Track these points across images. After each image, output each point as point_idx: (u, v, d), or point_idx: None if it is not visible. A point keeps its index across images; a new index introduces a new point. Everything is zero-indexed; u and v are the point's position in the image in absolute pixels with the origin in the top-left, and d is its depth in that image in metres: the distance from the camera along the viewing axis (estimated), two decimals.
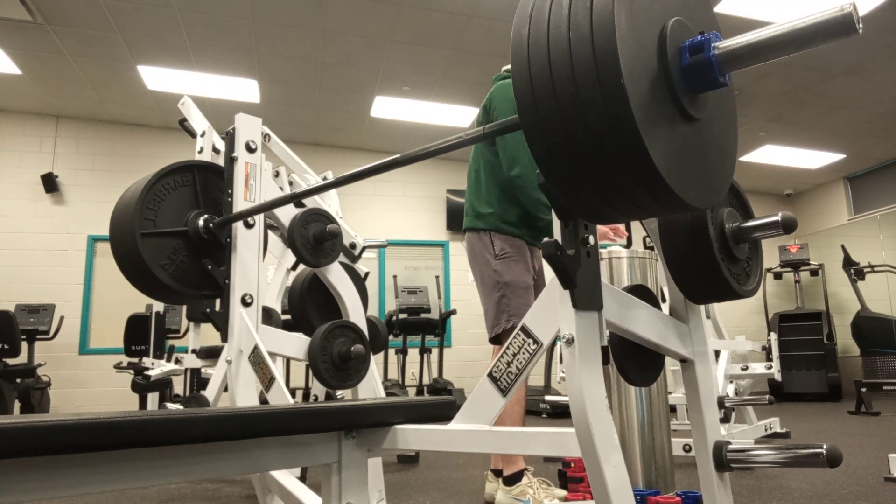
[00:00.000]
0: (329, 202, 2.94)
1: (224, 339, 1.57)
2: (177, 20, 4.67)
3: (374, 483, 1.71)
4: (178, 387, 4.09)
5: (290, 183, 2.87)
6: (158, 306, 4.22)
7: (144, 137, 6.63)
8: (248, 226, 1.60)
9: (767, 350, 3.99)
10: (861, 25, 0.66)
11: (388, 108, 6.27)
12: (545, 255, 0.81)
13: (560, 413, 5.42)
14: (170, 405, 2.57)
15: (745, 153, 7.33)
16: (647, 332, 1.02)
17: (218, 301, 1.61)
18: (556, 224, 0.86)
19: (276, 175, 2.85)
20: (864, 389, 5.33)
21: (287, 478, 1.35)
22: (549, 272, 0.93)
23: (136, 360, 4.28)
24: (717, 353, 3.63)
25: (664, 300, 1.18)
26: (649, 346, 1.06)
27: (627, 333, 1.00)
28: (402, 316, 5.83)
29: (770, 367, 3.76)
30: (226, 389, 1.78)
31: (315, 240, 1.63)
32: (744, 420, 3.77)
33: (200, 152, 2.82)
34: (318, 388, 2.51)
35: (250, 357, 1.50)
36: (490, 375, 1.02)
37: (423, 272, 7.35)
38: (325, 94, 5.99)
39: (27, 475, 0.77)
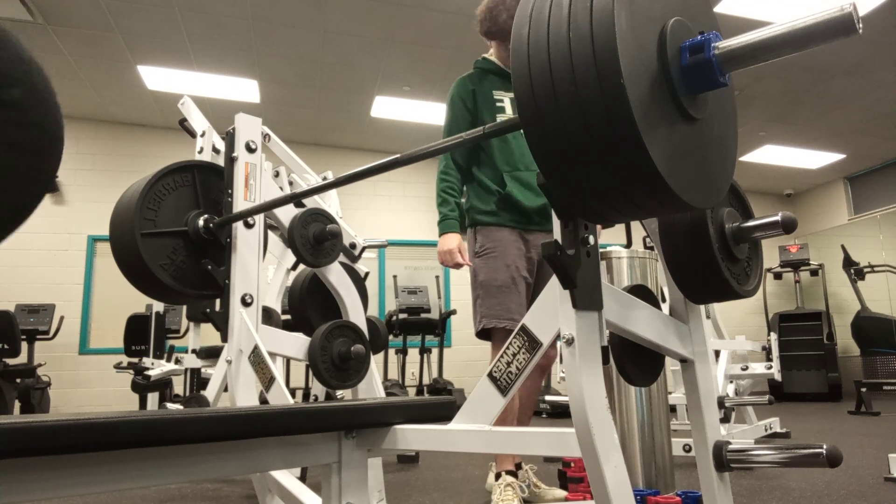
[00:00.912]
0: (329, 202, 2.95)
1: (224, 339, 1.57)
2: (177, 20, 4.67)
3: (374, 483, 1.72)
4: (178, 387, 4.09)
5: (290, 183, 2.87)
6: (158, 306, 4.22)
7: (144, 137, 6.63)
8: (248, 226, 1.60)
9: (767, 350, 3.99)
10: (861, 25, 0.66)
11: (388, 108, 6.27)
12: (545, 255, 0.81)
13: (560, 413, 5.43)
14: (170, 405, 2.58)
15: (745, 153, 7.33)
16: (647, 332, 1.02)
17: (218, 301, 1.61)
18: (556, 224, 0.86)
19: (276, 175, 2.85)
20: (864, 389, 5.33)
21: (287, 478, 1.35)
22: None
23: (136, 360, 4.28)
24: (717, 353, 3.63)
25: (664, 300, 1.18)
26: (649, 346, 1.06)
27: (627, 333, 1.00)
28: (402, 316, 5.83)
29: (770, 367, 3.76)
30: (226, 389, 1.78)
31: (315, 240, 1.63)
32: (744, 420, 3.77)
33: (200, 152, 2.82)
34: (318, 388, 2.51)
35: (250, 357, 1.50)
36: (490, 375, 1.02)
37: (423, 272, 7.35)
38: (325, 94, 5.99)
39: (27, 475, 0.77)
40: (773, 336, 4.19)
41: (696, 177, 0.77)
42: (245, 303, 1.56)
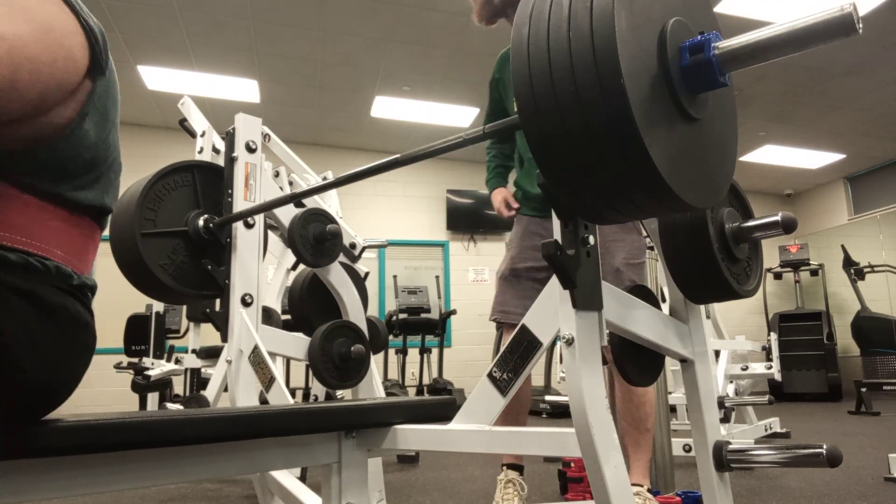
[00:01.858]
0: (329, 202, 2.95)
1: (224, 339, 1.57)
2: (177, 20, 4.67)
3: (374, 483, 1.72)
4: (178, 387, 4.09)
5: (290, 183, 2.87)
6: (158, 306, 4.22)
7: (144, 137, 6.62)
8: (248, 226, 1.60)
9: (767, 350, 3.99)
10: (861, 25, 0.66)
11: (388, 108, 6.27)
12: (545, 255, 0.81)
13: (560, 413, 5.42)
14: (170, 405, 2.58)
15: (745, 153, 7.33)
16: (647, 332, 1.02)
17: (218, 301, 1.61)
18: (556, 224, 0.86)
19: (276, 175, 2.86)
20: (864, 389, 5.33)
21: (287, 478, 1.35)
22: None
23: (136, 360, 4.27)
24: (717, 353, 3.63)
25: (664, 300, 1.18)
26: (649, 346, 1.06)
27: (627, 333, 1.00)
28: (402, 316, 5.83)
29: (770, 367, 3.76)
30: (226, 389, 1.78)
31: (315, 240, 1.63)
32: (744, 420, 3.77)
33: (200, 152, 2.83)
34: (318, 388, 2.51)
35: (250, 357, 1.50)
36: (490, 375, 1.02)
37: (423, 272, 7.35)
38: (325, 94, 5.99)
39: (27, 475, 0.77)
40: (773, 336, 4.19)
41: (696, 177, 0.77)
42: (245, 303, 1.56)
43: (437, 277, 6.76)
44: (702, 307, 1.16)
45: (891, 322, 7.03)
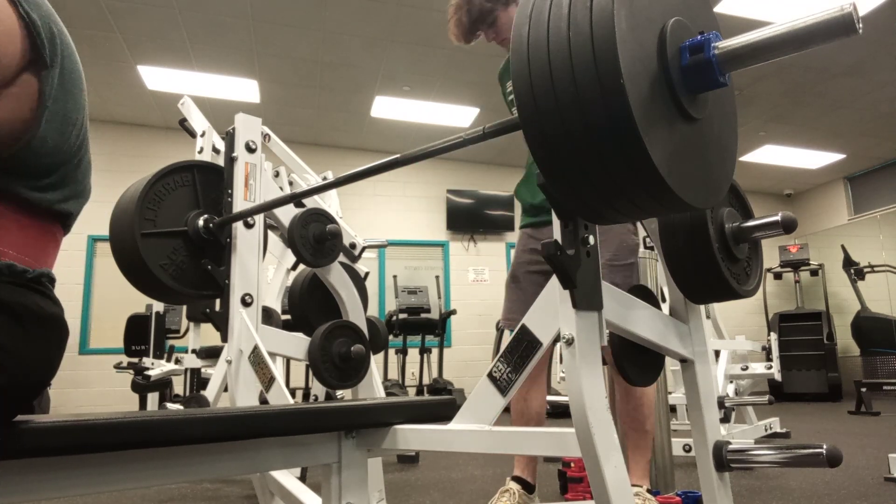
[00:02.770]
0: (329, 202, 2.95)
1: (224, 339, 1.57)
2: (177, 20, 4.67)
3: (374, 483, 1.71)
4: (178, 387, 4.09)
5: (290, 183, 2.87)
6: (158, 306, 4.22)
7: (144, 137, 6.62)
8: (248, 226, 1.60)
9: (767, 350, 3.99)
10: (861, 25, 0.66)
11: (388, 108, 6.27)
12: (545, 255, 0.81)
13: (560, 413, 5.43)
14: (170, 405, 2.58)
15: (745, 153, 7.33)
16: (647, 332, 1.02)
17: (218, 301, 1.61)
18: (556, 224, 0.86)
19: (276, 175, 2.86)
20: (864, 389, 5.33)
21: (287, 478, 1.35)
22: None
23: (136, 360, 4.27)
24: (717, 353, 3.63)
25: (664, 300, 1.18)
26: (649, 346, 1.06)
27: (627, 333, 1.00)
28: (402, 316, 5.83)
29: (770, 367, 3.76)
30: (226, 389, 1.78)
31: (315, 240, 1.63)
32: (744, 420, 3.77)
33: (200, 152, 2.83)
34: (318, 388, 2.51)
35: (250, 357, 1.50)
36: (490, 375, 1.02)
37: (423, 272, 7.35)
38: (325, 94, 5.99)
39: (27, 475, 0.77)
40: (773, 336, 4.20)
41: (696, 177, 0.77)
42: (245, 303, 1.55)
43: (437, 277, 6.77)
44: (702, 307, 1.16)
45: (891, 322, 7.03)
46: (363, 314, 1.80)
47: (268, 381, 1.47)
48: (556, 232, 0.85)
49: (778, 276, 8.15)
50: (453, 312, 6.26)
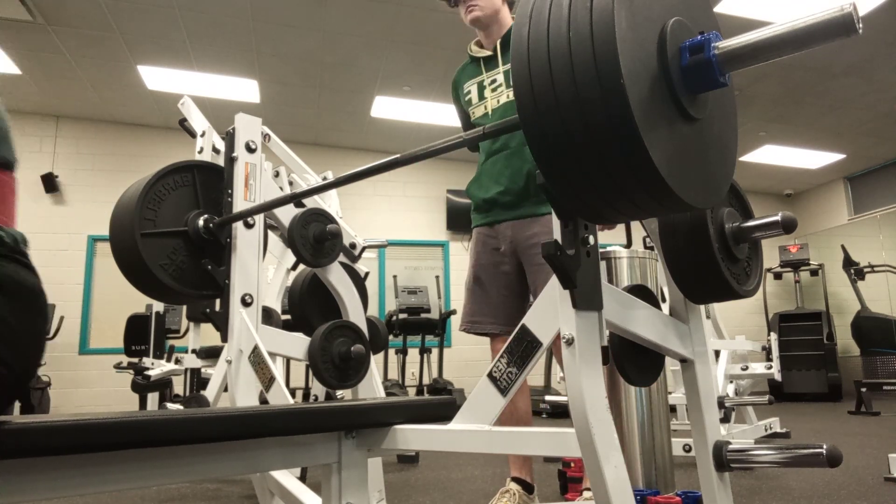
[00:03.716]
0: (329, 202, 2.94)
1: (224, 339, 1.57)
2: (177, 20, 4.67)
3: (374, 483, 1.71)
4: (178, 387, 4.09)
5: (290, 183, 2.87)
6: (158, 306, 4.22)
7: (144, 137, 6.62)
8: (248, 226, 1.60)
9: (767, 350, 3.99)
10: (861, 25, 0.66)
11: (388, 108, 6.27)
12: (545, 255, 0.80)
13: (560, 413, 5.42)
14: (170, 405, 2.58)
15: (745, 153, 7.33)
16: (647, 332, 1.02)
17: (218, 301, 1.61)
18: (556, 224, 0.86)
19: (276, 175, 2.85)
20: (864, 389, 5.33)
21: (287, 478, 1.35)
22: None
23: (136, 360, 4.27)
24: (717, 353, 3.63)
25: (664, 300, 1.18)
26: (649, 346, 1.06)
27: (627, 333, 1.00)
28: (402, 316, 5.83)
29: (770, 367, 3.76)
30: (226, 389, 1.78)
31: (315, 240, 1.63)
32: (744, 420, 3.77)
33: (200, 152, 2.82)
34: (318, 388, 2.51)
35: (250, 357, 1.50)
36: (490, 375, 1.02)
37: (423, 272, 7.35)
38: (325, 94, 5.99)
39: (27, 475, 0.77)
40: (773, 336, 4.19)
41: (696, 177, 0.77)
42: (245, 303, 1.55)
43: (437, 277, 6.76)
44: (702, 307, 1.16)
45: (891, 322, 7.03)
46: (363, 314, 1.80)
47: (268, 381, 1.47)
48: (557, 232, 0.85)
49: (778, 276, 8.15)
50: (453, 312, 6.26)
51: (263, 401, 1.55)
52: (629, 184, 0.70)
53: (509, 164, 2.01)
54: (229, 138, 1.65)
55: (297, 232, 1.60)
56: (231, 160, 1.63)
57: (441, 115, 6.40)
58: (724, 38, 0.75)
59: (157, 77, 5.55)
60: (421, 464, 3.27)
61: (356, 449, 1.09)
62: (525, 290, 2.06)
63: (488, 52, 2.09)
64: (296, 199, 1.51)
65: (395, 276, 6.43)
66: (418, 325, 5.86)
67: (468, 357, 7.06)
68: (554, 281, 0.87)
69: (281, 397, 1.44)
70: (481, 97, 2.09)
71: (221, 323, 1.57)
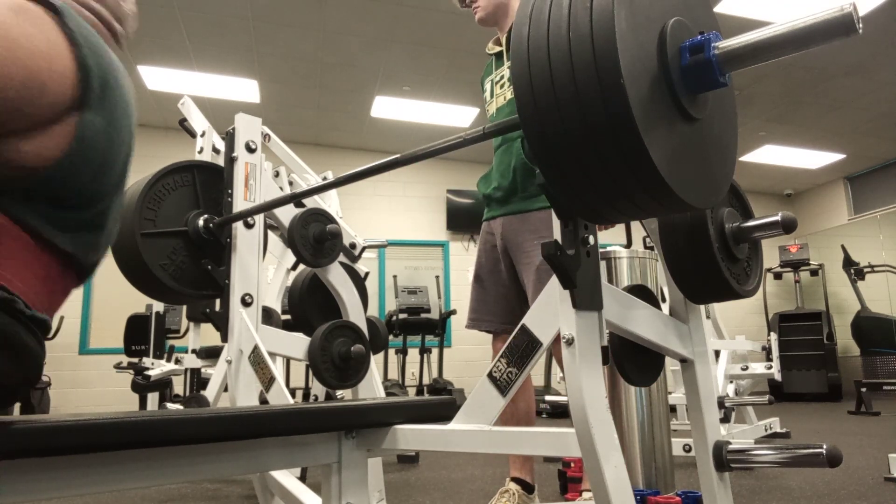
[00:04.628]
0: (329, 202, 2.94)
1: (224, 339, 1.57)
2: (177, 20, 4.67)
3: (374, 483, 1.71)
4: (178, 387, 4.09)
5: (290, 183, 2.87)
6: (158, 306, 4.22)
7: (144, 137, 6.57)
8: (248, 226, 1.60)
9: (767, 350, 3.99)
10: (861, 25, 0.66)
11: (388, 108, 6.27)
12: (545, 255, 0.80)
13: (560, 413, 5.42)
14: (170, 405, 2.58)
15: (745, 153, 7.33)
16: (647, 332, 1.02)
17: (218, 301, 1.61)
18: (556, 224, 0.86)
19: (276, 175, 2.85)
20: (864, 389, 5.33)
21: (287, 478, 1.35)
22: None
23: (136, 360, 4.27)
24: (717, 353, 3.63)
25: (664, 300, 1.18)
26: (649, 346, 1.06)
27: (627, 333, 1.00)
28: (402, 316, 5.83)
29: (770, 367, 3.76)
30: (226, 389, 1.78)
31: (315, 240, 1.63)
32: (744, 420, 3.77)
33: (200, 152, 2.82)
34: (318, 388, 2.51)
35: (250, 357, 1.50)
36: (490, 375, 1.02)
37: (423, 272, 7.35)
38: (325, 94, 5.99)
39: (27, 475, 0.77)
40: (773, 336, 4.19)
41: (696, 177, 0.77)
42: (245, 303, 1.55)
43: (437, 277, 6.76)
44: (702, 307, 1.16)
45: (891, 322, 7.03)
46: (363, 314, 1.80)
47: (268, 381, 1.47)
48: (557, 232, 0.85)
49: (778, 276, 8.15)
50: (453, 312, 6.26)
51: (263, 401, 1.55)
52: (629, 184, 0.70)
53: (501, 160, 2.03)
54: (229, 138, 1.65)
55: (297, 232, 1.60)
56: (231, 160, 1.63)
57: (441, 115, 6.40)
58: (724, 38, 0.75)
59: (156, 77, 5.55)
60: (421, 464, 3.26)
61: (356, 449, 1.09)
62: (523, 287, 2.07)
63: (500, 48, 2.11)
64: (296, 199, 1.52)
65: (395, 276, 6.42)
66: (418, 325, 5.86)
67: (468, 357, 7.06)
68: (554, 281, 0.87)
69: (281, 397, 1.44)
70: (492, 94, 2.11)
71: (221, 323, 1.57)
